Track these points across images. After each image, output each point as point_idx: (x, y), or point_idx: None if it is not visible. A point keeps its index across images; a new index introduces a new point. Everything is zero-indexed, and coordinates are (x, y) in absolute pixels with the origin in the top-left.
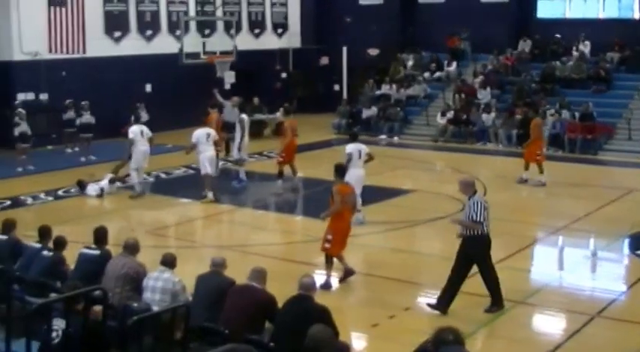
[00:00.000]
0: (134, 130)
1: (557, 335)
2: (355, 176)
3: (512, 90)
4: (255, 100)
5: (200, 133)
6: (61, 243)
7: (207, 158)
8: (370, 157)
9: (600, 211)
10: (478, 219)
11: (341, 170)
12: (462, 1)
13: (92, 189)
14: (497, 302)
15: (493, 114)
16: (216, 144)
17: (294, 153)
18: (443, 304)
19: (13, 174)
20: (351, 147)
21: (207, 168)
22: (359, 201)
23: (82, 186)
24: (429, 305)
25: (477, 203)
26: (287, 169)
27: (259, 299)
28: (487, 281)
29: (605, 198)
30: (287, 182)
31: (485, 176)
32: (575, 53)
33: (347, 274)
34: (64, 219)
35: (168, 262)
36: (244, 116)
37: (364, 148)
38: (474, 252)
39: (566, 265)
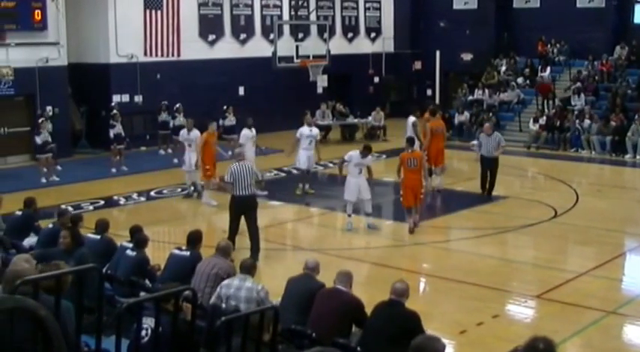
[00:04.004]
0: (246, 134)
1: None
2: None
3: (608, 96)
4: (338, 105)
5: (303, 131)
6: (141, 242)
7: (305, 155)
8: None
9: None
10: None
11: (411, 140)
12: (558, 6)
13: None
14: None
15: (587, 121)
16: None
17: (440, 155)
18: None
19: (107, 175)
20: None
21: (303, 164)
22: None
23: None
24: None
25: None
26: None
27: (346, 303)
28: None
29: None
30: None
31: (577, 183)
32: None
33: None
34: (155, 220)
35: (247, 268)
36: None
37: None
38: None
39: None
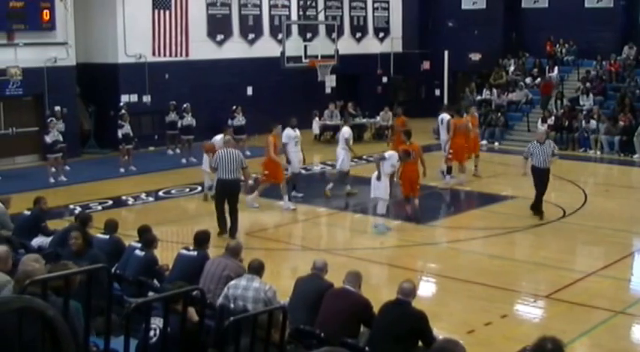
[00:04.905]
0: (289, 134)
1: None
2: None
3: (616, 97)
4: (350, 106)
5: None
6: (150, 242)
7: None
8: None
9: None
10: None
11: (408, 133)
12: (566, 6)
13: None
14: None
15: (593, 122)
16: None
17: (463, 152)
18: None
19: (115, 175)
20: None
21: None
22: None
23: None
24: None
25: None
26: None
27: (354, 303)
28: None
29: None
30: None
31: (586, 183)
32: None
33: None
34: (164, 220)
35: (255, 269)
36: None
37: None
38: None
39: None
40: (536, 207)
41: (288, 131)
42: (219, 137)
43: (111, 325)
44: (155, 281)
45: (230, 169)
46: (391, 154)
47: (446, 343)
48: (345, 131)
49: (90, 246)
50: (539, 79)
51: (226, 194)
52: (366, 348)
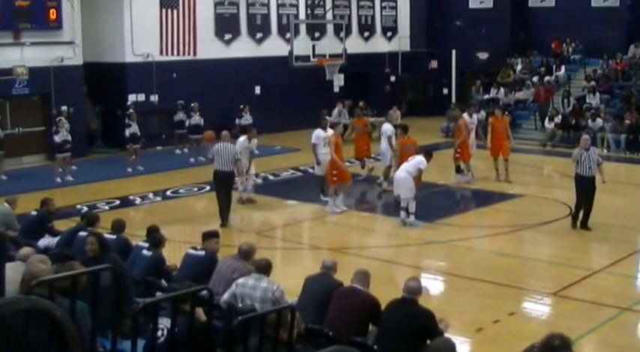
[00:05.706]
0: (319, 135)
1: None
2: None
3: (622, 95)
4: (361, 104)
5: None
6: (157, 242)
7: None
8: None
9: None
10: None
11: (405, 128)
12: (573, 5)
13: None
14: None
15: (599, 120)
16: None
17: (469, 151)
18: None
19: (123, 175)
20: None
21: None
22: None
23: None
24: None
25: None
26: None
27: (363, 302)
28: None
29: None
30: (463, 177)
31: None
32: None
33: None
34: (172, 220)
35: (263, 268)
36: None
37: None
38: None
39: None
40: (576, 215)
41: (319, 132)
42: (242, 139)
43: (118, 325)
44: (163, 281)
45: (225, 162)
46: (424, 163)
47: (440, 345)
48: (387, 128)
49: (107, 250)
50: (546, 78)
51: (222, 184)
52: (375, 347)
